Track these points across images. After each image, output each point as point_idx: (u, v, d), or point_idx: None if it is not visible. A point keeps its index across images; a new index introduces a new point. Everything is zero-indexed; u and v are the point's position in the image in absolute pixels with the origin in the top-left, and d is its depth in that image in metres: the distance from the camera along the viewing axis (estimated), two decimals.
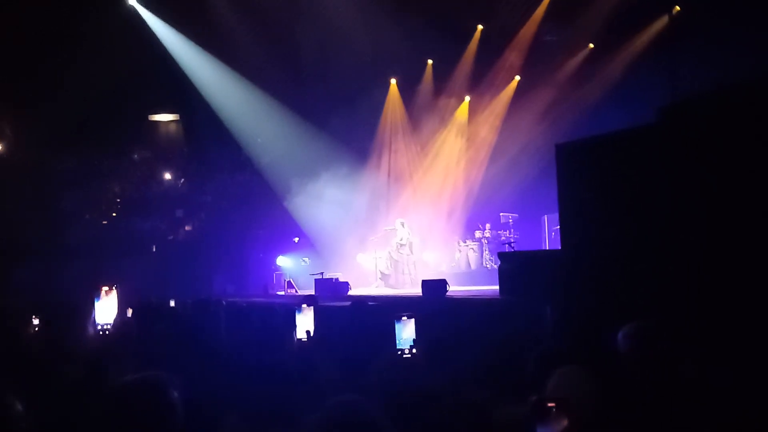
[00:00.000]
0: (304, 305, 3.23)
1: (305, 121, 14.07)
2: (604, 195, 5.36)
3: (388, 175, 15.81)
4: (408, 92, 15.49)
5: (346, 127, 13.95)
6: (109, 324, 3.29)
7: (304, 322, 3.19)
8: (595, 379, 2.13)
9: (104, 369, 2.55)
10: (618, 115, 10.61)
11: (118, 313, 3.31)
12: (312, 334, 3.14)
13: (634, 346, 2.70)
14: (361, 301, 5.50)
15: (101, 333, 3.24)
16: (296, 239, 15.29)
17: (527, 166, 13.86)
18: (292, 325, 3.19)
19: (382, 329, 2.99)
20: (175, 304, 6.64)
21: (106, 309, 3.30)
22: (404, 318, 2.98)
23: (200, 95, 13.62)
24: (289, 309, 3.84)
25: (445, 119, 15.54)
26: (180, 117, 15.50)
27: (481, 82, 15.10)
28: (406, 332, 2.96)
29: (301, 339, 3.17)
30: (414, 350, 2.93)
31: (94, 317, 3.27)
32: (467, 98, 15.53)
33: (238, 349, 3.60)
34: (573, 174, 5.74)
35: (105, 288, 3.29)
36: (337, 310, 5.21)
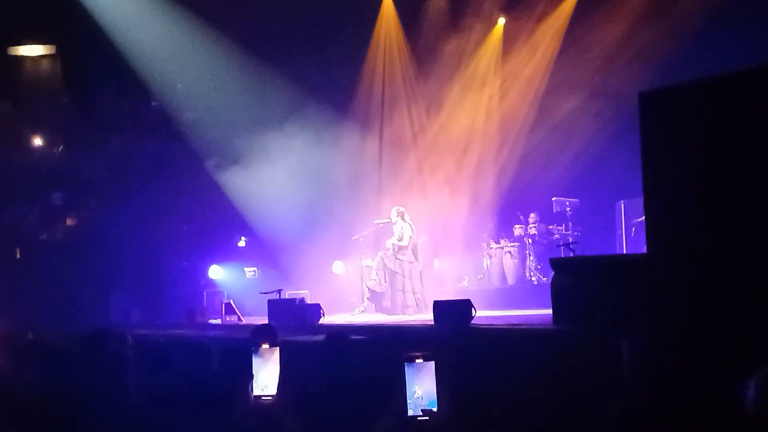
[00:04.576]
0: (264, 345, 3.23)
1: (254, 58, 14.05)
2: (718, 168, 5.36)
3: (380, 139, 15.79)
4: (410, 11, 15.43)
5: (315, 66, 13.93)
6: None
7: (267, 370, 3.19)
8: None
9: None
10: (732, 50, 10.62)
11: None
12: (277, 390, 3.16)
13: None
14: (344, 333, 5.59)
15: None
16: (242, 240, 15.23)
17: (593, 125, 13.86)
18: (248, 375, 3.20)
19: (382, 378, 3.00)
20: (53, 338, 6.67)
21: None
22: (418, 360, 2.98)
23: (88, 17, 13.51)
24: (233, 347, 3.85)
25: (468, 52, 15.51)
26: (57, 50, 15.38)
27: None
28: (421, 383, 2.95)
29: (260, 396, 3.18)
30: (435, 410, 2.89)
31: None
32: (502, 20, 15.51)
33: (153, 411, 3.63)
34: (668, 138, 5.75)
35: None
36: (309, 349, 5.24)
